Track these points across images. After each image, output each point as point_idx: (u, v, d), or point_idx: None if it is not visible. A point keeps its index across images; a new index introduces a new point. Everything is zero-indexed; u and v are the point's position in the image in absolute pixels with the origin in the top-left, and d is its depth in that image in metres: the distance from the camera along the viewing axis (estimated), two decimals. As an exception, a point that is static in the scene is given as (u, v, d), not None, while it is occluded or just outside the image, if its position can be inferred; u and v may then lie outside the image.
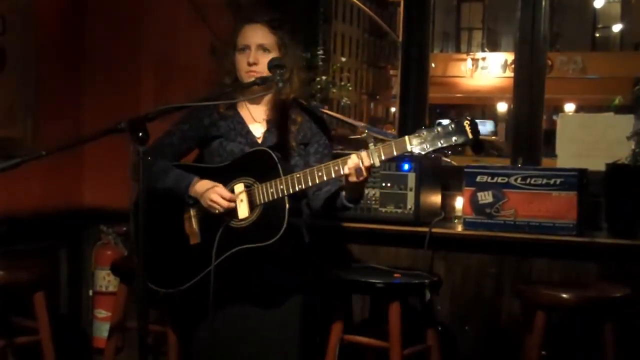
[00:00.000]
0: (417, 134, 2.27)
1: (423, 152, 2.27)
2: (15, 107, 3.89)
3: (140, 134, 2.13)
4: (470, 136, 2.24)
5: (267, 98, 2.71)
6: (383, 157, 2.34)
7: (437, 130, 2.26)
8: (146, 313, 2.22)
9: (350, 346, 3.30)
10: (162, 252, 2.64)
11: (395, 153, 2.31)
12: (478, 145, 2.31)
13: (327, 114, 2.75)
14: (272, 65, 2.52)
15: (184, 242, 2.62)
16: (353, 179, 2.38)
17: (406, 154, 2.31)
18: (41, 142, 3.82)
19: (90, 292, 4.30)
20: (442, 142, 2.25)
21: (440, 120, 2.36)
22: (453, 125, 2.26)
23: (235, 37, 2.71)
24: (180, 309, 2.77)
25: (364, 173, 2.37)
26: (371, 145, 2.34)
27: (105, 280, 4.18)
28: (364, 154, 2.35)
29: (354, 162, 2.36)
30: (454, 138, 2.25)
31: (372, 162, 2.34)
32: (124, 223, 4.11)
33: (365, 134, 2.43)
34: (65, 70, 4.21)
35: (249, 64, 2.64)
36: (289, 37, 2.73)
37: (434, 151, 2.27)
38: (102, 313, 4.18)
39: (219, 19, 4.05)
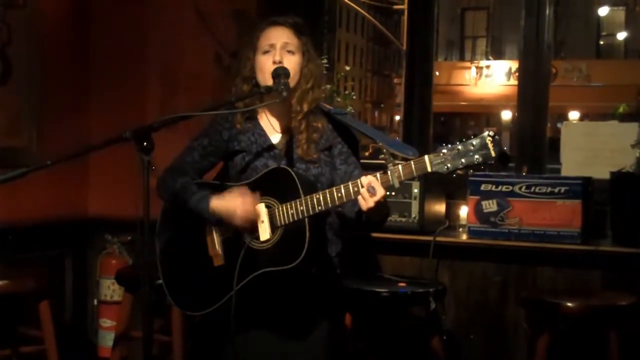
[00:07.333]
0: (437, 153, 2.18)
1: (444, 172, 2.17)
2: (21, 117, 3.91)
3: (145, 143, 2.14)
4: (493, 154, 2.13)
5: (287, 107, 2.59)
6: (402, 179, 2.24)
7: (458, 149, 2.16)
8: (151, 322, 2.22)
9: (352, 353, 3.29)
10: (187, 274, 2.59)
11: (415, 174, 2.23)
12: (504, 159, 2.19)
13: (348, 125, 2.64)
14: (275, 75, 2.49)
15: (208, 264, 2.54)
16: (368, 204, 2.27)
17: (426, 173, 2.21)
18: (46, 151, 3.83)
19: (95, 302, 4.31)
20: (463, 161, 2.15)
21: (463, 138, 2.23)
22: (475, 143, 2.15)
23: (257, 39, 2.59)
24: (206, 330, 2.71)
25: (378, 197, 2.26)
26: (390, 166, 2.24)
27: (110, 289, 4.19)
28: (381, 178, 2.25)
29: (367, 184, 2.25)
30: (476, 156, 2.14)
31: (391, 183, 2.25)
32: (128, 232, 4.13)
33: (384, 156, 2.32)
34: (70, 79, 4.23)
35: (274, 62, 2.51)
36: (312, 46, 2.64)
37: (455, 170, 2.17)
38: (107, 322, 4.19)
39: (224, 28, 4.07)
